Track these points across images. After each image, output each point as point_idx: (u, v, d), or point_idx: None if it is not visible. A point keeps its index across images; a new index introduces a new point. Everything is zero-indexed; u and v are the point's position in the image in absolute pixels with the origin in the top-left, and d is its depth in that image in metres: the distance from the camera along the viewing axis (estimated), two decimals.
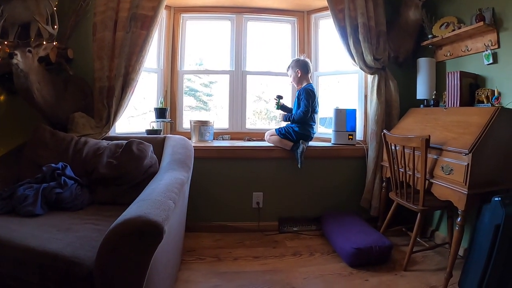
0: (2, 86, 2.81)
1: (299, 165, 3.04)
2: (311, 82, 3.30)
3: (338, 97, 3.78)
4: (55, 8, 2.54)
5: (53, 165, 2.18)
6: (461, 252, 2.51)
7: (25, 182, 2.10)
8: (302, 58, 3.34)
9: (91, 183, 2.29)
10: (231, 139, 3.63)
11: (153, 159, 2.44)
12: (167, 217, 1.43)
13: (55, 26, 2.48)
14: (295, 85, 3.36)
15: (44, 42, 2.45)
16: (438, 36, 2.90)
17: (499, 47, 2.48)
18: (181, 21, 3.65)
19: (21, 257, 1.41)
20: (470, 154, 2.03)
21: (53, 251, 1.42)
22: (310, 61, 3.67)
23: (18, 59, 2.18)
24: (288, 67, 3.34)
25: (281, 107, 3.35)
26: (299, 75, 3.26)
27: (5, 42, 2.43)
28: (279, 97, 3.33)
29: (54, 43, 2.59)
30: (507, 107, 2.29)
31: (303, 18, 3.80)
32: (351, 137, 3.29)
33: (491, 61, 2.51)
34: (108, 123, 2.81)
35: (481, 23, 2.45)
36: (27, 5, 2.57)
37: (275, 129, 3.26)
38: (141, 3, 2.81)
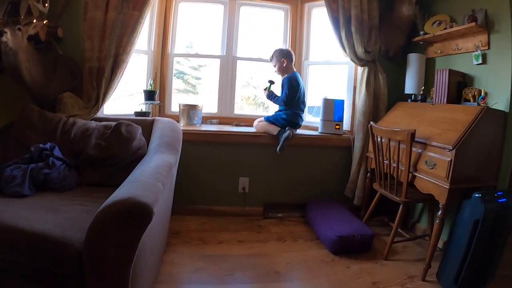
0: None
1: (278, 149, 3.09)
2: (295, 70, 3.31)
3: (328, 87, 3.79)
4: None
5: (41, 145, 2.16)
6: (440, 245, 2.59)
7: (13, 163, 2.07)
8: (285, 47, 3.37)
9: (79, 164, 2.28)
10: (219, 123, 3.63)
11: (141, 141, 2.43)
12: (156, 199, 1.45)
13: (46, 4, 2.42)
14: (280, 74, 3.32)
15: (34, 20, 2.38)
16: (429, 33, 2.93)
17: (489, 48, 2.52)
18: (173, 3, 3.58)
19: (10, 238, 1.41)
20: (454, 150, 2.09)
21: (42, 232, 1.41)
22: (302, 49, 3.70)
23: (7, 37, 2.13)
24: (272, 57, 3.30)
25: (270, 94, 3.33)
26: (284, 64, 3.24)
27: None
28: (271, 82, 3.33)
29: (44, 22, 2.52)
30: (492, 107, 2.35)
31: (296, 6, 3.77)
32: (338, 127, 3.33)
33: (480, 61, 2.56)
34: (97, 104, 2.79)
35: (473, 23, 2.48)
36: None
37: (264, 117, 3.29)
38: None
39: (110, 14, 2.75)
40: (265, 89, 3.36)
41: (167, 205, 2.26)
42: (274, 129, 3.15)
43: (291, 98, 3.14)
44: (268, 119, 3.22)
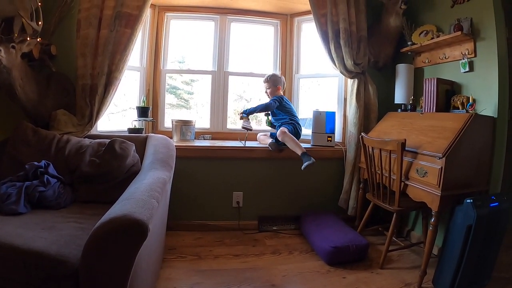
0: None
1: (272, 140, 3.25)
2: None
3: (318, 100, 3.85)
4: (39, 4, 2.51)
5: (35, 163, 2.16)
6: (435, 251, 2.61)
7: (7, 180, 2.07)
8: (280, 75, 3.63)
9: (74, 182, 2.28)
10: (212, 138, 3.66)
11: (135, 158, 2.44)
12: (151, 216, 1.45)
13: (40, 22, 2.45)
14: (269, 96, 3.49)
15: (28, 38, 2.41)
16: (417, 44, 2.99)
17: (475, 56, 2.59)
18: (165, 20, 3.65)
19: (6, 256, 1.40)
20: (444, 158, 2.12)
21: (38, 250, 1.41)
22: (292, 63, 3.79)
23: (1, 55, 2.15)
24: (268, 80, 3.48)
25: (271, 124, 3.53)
26: (277, 91, 3.48)
27: None
28: (267, 115, 3.54)
29: (38, 39, 2.55)
30: (481, 113, 2.41)
31: (286, 21, 3.85)
32: (330, 139, 3.37)
33: (467, 69, 2.62)
34: (91, 121, 2.79)
35: (459, 32, 2.55)
36: (11, 0, 2.51)
37: (271, 133, 3.48)
38: (126, 2, 2.80)
39: (103, 31, 2.78)
40: (267, 123, 3.58)
41: (162, 221, 2.26)
42: (272, 144, 3.22)
43: (277, 104, 3.33)
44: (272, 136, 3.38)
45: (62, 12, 2.89)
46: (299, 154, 3.03)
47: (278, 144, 3.18)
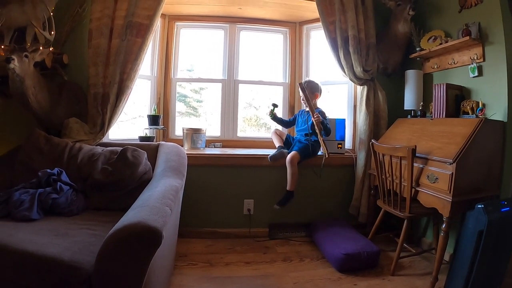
0: None
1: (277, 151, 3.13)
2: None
3: (328, 107, 3.85)
4: (51, 13, 2.55)
5: (48, 170, 2.19)
6: (446, 257, 2.59)
7: (21, 187, 2.10)
8: (315, 80, 3.40)
9: (86, 189, 2.30)
10: (223, 146, 3.68)
11: (147, 166, 2.46)
12: (165, 223, 1.46)
13: (52, 32, 2.50)
14: (306, 105, 3.23)
15: (41, 47, 2.46)
16: (426, 49, 3.00)
17: (484, 60, 2.58)
18: (175, 29, 3.70)
19: (19, 262, 1.41)
20: (454, 164, 2.12)
21: (52, 256, 1.42)
22: (302, 71, 3.81)
23: (15, 63, 2.20)
24: (306, 86, 3.24)
25: (274, 116, 3.37)
26: (315, 98, 3.33)
27: (1, 46, 2.43)
28: (275, 106, 3.35)
29: (50, 49, 2.60)
30: (491, 118, 2.40)
31: (295, 29, 3.89)
32: (340, 146, 3.37)
33: (476, 74, 2.61)
34: (102, 129, 2.83)
35: (467, 37, 2.55)
36: (24, 10, 2.58)
37: (295, 149, 3.16)
38: (137, 11, 2.86)
39: (114, 41, 2.84)
40: (270, 116, 3.36)
41: (174, 228, 2.28)
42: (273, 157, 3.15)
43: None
44: (301, 148, 3.16)
45: (74, 22, 2.95)
46: (287, 189, 3.09)
47: (275, 157, 3.11)
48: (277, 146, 3.23)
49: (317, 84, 3.35)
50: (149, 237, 1.35)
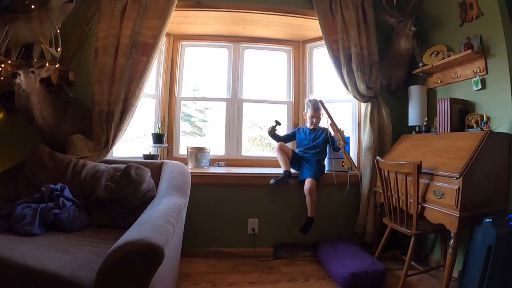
0: (3, 104, 2.86)
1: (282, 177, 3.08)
2: None
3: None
4: (58, 31, 2.63)
5: (51, 185, 2.19)
6: (455, 274, 2.53)
7: (23, 201, 2.10)
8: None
9: (89, 206, 2.29)
10: (227, 165, 3.67)
11: (150, 184, 2.45)
12: (167, 241, 1.46)
13: (58, 49, 2.56)
14: (315, 124, 3.34)
15: (47, 64, 2.51)
16: (428, 64, 3.01)
17: (487, 73, 2.59)
18: (180, 48, 3.76)
19: (20, 276, 1.40)
20: (461, 178, 2.09)
21: (52, 271, 1.41)
22: (305, 89, 3.83)
23: (21, 79, 2.23)
24: (319, 107, 3.27)
25: (273, 134, 3.37)
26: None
27: (9, 62, 2.48)
28: (277, 123, 3.36)
29: (56, 65, 2.65)
30: (496, 131, 2.38)
31: (298, 48, 3.93)
32: (344, 164, 3.34)
33: (480, 87, 2.61)
34: (107, 147, 2.84)
35: (469, 50, 2.56)
36: (31, 26, 2.66)
37: (310, 174, 3.11)
38: (142, 31, 2.91)
39: (120, 59, 2.88)
40: (270, 128, 3.35)
41: (176, 247, 2.25)
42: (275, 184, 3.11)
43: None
44: (315, 173, 3.13)
45: (80, 40, 3.02)
46: (308, 215, 3.06)
47: (277, 183, 3.07)
48: (283, 170, 3.15)
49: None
50: (151, 254, 1.34)
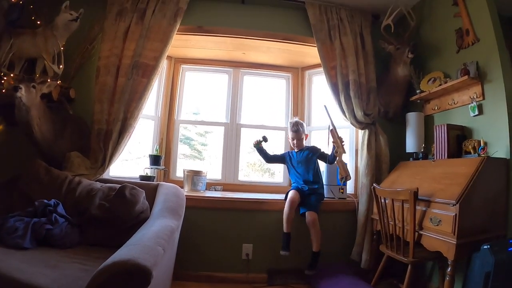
0: (3, 116, 2.88)
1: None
2: None
3: (330, 151, 3.84)
4: (62, 48, 2.68)
5: (45, 201, 2.19)
6: None
7: (16, 214, 2.10)
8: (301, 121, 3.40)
9: (82, 223, 2.28)
10: (223, 190, 3.65)
11: (145, 205, 2.44)
12: (156, 263, 1.46)
13: (61, 66, 2.60)
14: (297, 147, 3.31)
15: (49, 80, 2.54)
16: (425, 91, 3.04)
17: (484, 98, 2.60)
18: (180, 71, 3.82)
19: None
20: (458, 205, 2.07)
21: (39, 286, 1.41)
22: (304, 115, 3.86)
23: (22, 93, 2.26)
24: (301, 127, 3.29)
25: (259, 147, 3.32)
26: (306, 138, 3.35)
27: (11, 75, 2.52)
28: (264, 139, 3.30)
29: (58, 82, 2.69)
30: (493, 156, 2.38)
31: (297, 74, 3.99)
32: (342, 190, 3.33)
33: (476, 112, 2.63)
34: (103, 165, 2.84)
35: (466, 76, 2.59)
36: (35, 42, 2.73)
37: (309, 205, 3.04)
38: (144, 52, 2.97)
39: (120, 80, 2.92)
40: (256, 141, 3.30)
41: (167, 269, 2.23)
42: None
43: None
44: (317, 206, 3.07)
45: (83, 58, 3.08)
46: (314, 250, 2.94)
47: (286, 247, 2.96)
48: (284, 230, 3.00)
49: (303, 124, 3.36)
50: (138, 275, 1.34)
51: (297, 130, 3.26)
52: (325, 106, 3.19)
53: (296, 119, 3.39)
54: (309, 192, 3.10)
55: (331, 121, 3.08)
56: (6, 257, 1.66)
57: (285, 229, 2.95)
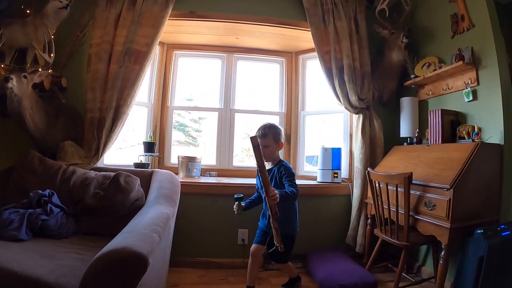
0: None
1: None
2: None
3: (324, 136, 3.86)
4: (52, 37, 2.64)
5: (40, 191, 2.18)
6: (447, 286, 2.50)
7: (11, 206, 2.09)
8: (278, 125, 2.61)
9: (77, 213, 2.28)
10: (218, 175, 3.65)
11: (140, 192, 2.44)
12: (152, 250, 1.45)
13: (52, 55, 2.57)
14: (267, 157, 2.48)
15: (40, 69, 2.51)
16: (420, 76, 3.03)
17: (478, 84, 2.61)
18: (173, 57, 3.76)
19: (3, 281, 1.40)
20: (452, 189, 2.10)
21: (36, 277, 1.41)
22: (298, 100, 3.81)
23: (13, 83, 2.23)
24: (267, 131, 2.49)
25: (243, 210, 2.62)
26: (280, 149, 2.57)
27: (1, 65, 2.49)
28: (239, 199, 2.57)
29: (49, 71, 2.65)
30: (487, 142, 2.40)
31: (291, 59, 3.95)
32: (336, 175, 3.34)
33: (471, 98, 2.63)
34: (97, 154, 2.83)
35: (461, 62, 2.58)
36: (26, 31, 2.68)
37: (279, 258, 2.55)
38: (136, 39, 2.93)
39: (112, 67, 2.88)
40: (236, 209, 2.58)
41: (164, 256, 2.23)
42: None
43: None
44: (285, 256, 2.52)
45: (74, 46, 3.03)
46: (291, 277, 2.67)
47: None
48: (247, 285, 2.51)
49: (281, 129, 2.58)
50: (135, 263, 1.33)
51: (264, 135, 2.48)
52: (271, 125, 2.53)
53: (270, 122, 2.59)
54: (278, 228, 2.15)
55: (264, 175, 2.13)
56: (2, 249, 1.66)
57: (248, 283, 2.47)
